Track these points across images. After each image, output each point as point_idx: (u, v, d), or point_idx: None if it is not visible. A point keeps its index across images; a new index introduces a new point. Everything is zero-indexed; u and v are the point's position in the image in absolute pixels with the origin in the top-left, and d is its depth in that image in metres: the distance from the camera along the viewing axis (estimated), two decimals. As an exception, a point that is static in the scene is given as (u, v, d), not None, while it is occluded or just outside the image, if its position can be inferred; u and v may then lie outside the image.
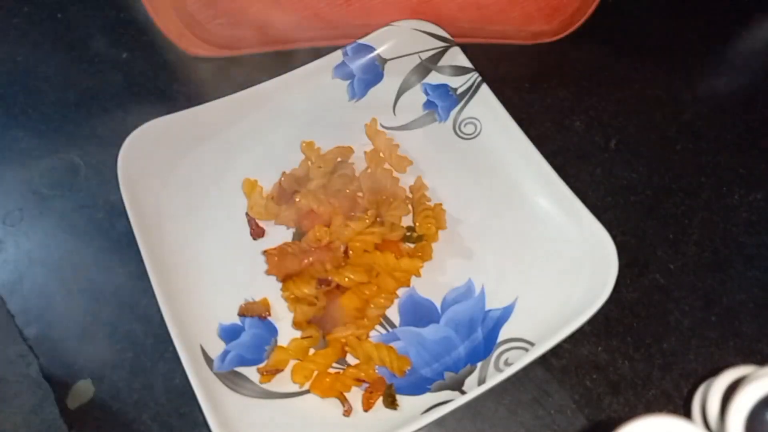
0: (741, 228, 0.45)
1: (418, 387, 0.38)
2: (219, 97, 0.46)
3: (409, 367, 0.38)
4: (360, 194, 0.44)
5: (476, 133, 0.47)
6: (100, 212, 0.45)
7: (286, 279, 0.40)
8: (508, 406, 0.39)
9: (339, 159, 0.45)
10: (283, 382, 0.38)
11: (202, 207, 0.44)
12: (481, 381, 0.37)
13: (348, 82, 0.49)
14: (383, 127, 0.47)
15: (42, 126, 0.49)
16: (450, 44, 0.49)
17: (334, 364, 0.39)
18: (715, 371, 0.34)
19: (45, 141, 0.49)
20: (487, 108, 0.46)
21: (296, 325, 0.40)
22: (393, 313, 0.41)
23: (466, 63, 0.48)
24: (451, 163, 0.46)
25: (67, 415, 0.38)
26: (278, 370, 0.38)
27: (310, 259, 0.41)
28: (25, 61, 0.53)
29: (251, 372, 0.39)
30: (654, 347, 0.41)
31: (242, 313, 0.40)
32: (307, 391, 0.38)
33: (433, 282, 0.42)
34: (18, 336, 0.41)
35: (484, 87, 0.47)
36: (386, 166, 0.46)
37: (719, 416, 0.31)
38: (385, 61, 0.49)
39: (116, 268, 0.43)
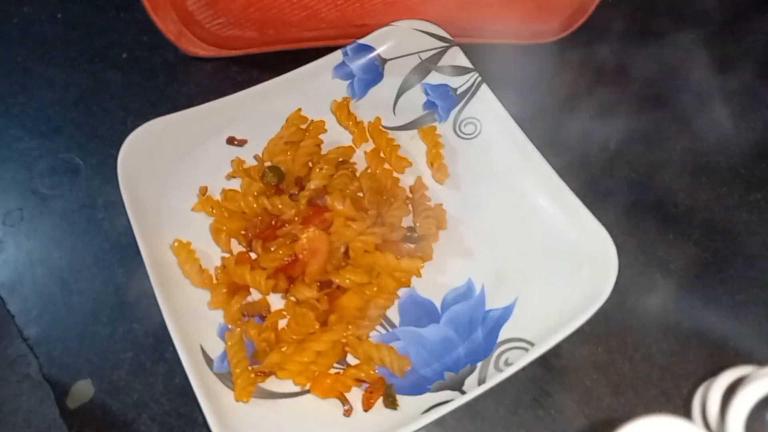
0: (741, 228, 0.45)
1: (418, 387, 0.38)
2: (219, 97, 0.46)
3: (409, 367, 0.38)
4: (360, 194, 0.44)
5: (476, 133, 0.47)
6: (100, 212, 0.45)
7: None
8: (508, 406, 0.39)
9: (341, 159, 0.45)
10: (283, 382, 0.38)
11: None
12: (481, 381, 0.37)
13: (348, 82, 0.49)
14: (383, 127, 0.47)
15: (42, 126, 0.49)
16: (450, 44, 0.49)
17: (335, 365, 0.39)
18: (715, 371, 0.34)
19: (45, 141, 0.49)
20: (487, 108, 0.46)
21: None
22: (393, 313, 0.41)
23: (466, 63, 0.48)
24: (451, 163, 0.46)
25: (67, 415, 0.38)
26: (272, 373, 0.38)
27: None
28: (25, 61, 0.53)
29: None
30: (654, 347, 0.41)
31: (242, 313, 0.40)
32: (307, 391, 0.38)
33: (433, 282, 0.42)
34: (18, 336, 0.41)
35: (484, 87, 0.47)
36: (386, 166, 0.46)
37: (719, 416, 0.31)
38: (385, 61, 0.49)
39: (116, 268, 0.43)
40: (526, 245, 0.42)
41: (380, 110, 0.48)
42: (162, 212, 0.43)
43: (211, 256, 0.42)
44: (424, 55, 0.49)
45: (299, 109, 0.47)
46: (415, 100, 0.49)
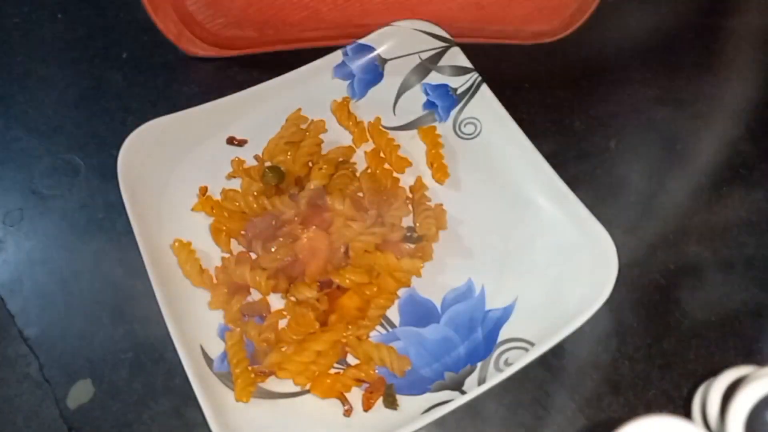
0: (741, 228, 0.45)
1: (418, 387, 0.38)
2: (219, 97, 0.46)
3: (409, 367, 0.38)
4: (360, 194, 0.44)
5: (476, 133, 0.47)
6: (100, 212, 0.45)
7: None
8: (508, 406, 0.39)
9: (341, 159, 0.45)
10: (283, 382, 0.38)
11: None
12: (481, 381, 0.37)
13: (348, 82, 0.49)
14: (383, 127, 0.47)
15: (42, 126, 0.49)
16: (450, 44, 0.49)
17: (335, 365, 0.39)
18: (715, 371, 0.34)
19: (45, 141, 0.49)
20: (487, 108, 0.46)
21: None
22: (393, 313, 0.41)
23: (466, 63, 0.48)
24: (451, 163, 0.46)
25: (67, 415, 0.38)
26: (272, 373, 0.38)
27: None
28: (25, 61, 0.53)
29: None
30: (654, 347, 0.41)
31: (242, 313, 0.40)
32: (307, 391, 0.38)
33: (433, 282, 0.42)
34: (18, 336, 0.41)
35: (484, 87, 0.47)
36: (386, 166, 0.46)
37: (719, 416, 0.31)
38: (385, 61, 0.49)
39: (116, 268, 0.43)
40: (526, 245, 0.42)
41: (380, 110, 0.48)
42: (162, 212, 0.43)
43: (211, 256, 0.43)
44: (424, 55, 0.49)
45: (299, 109, 0.47)
46: (415, 100, 0.49)
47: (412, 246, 0.42)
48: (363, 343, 0.39)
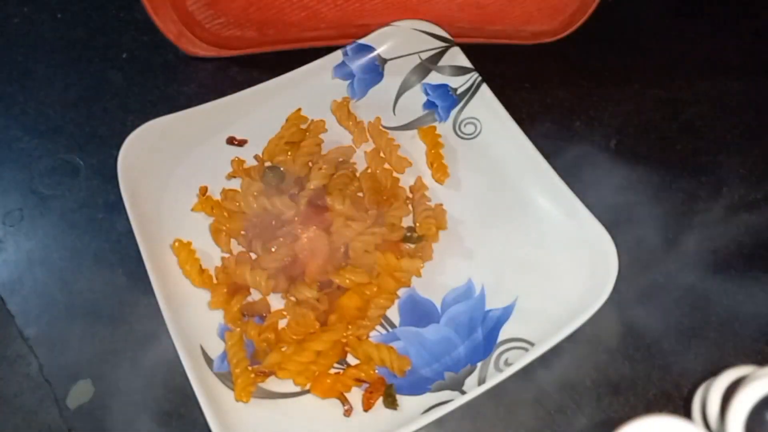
0: (741, 228, 0.45)
1: (418, 387, 0.38)
2: (219, 97, 0.46)
3: (409, 367, 0.38)
4: (360, 194, 0.44)
5: (476, 133, 0.47)
6: (100, 212, 0.45)
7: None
8: (508, 406, 0.39)
9: (341, 159, 0.45)
10: (283, 382, 0.38)
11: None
12: (481, 381, 0.37)
13: (348, 82, 0.49)
14: (383, 127, 0.47)
15: (42, 126, 0.49)
16: (450, 44, 0.49)
17: (335, 365, 0.39)
18: (715, 371, 0.34)
19: (45, 141, 0.49)
20: (487, 108, 0.46)
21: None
22: (393, 313, 0.41)
23: (466, 63, 0.48)
24: (451, 163, 0.46)
25: (67, 415, 0.38)
26: (272, 373, 0.38)
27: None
28: (25, 61, 0.53)
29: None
30: (654, 347, 0.41)
31: (242, 313, 0.40)
32: (307, 391, 0.38)
33: (434, 282, 0.42)
34: (18, 336, 0.41)
35: (484, 87, 0.47)
36: (386, 166, 0.46)
37: (719, 416, 0.31)
38: (385, 61, 0.49)
39: (116, 268, 0.43)
40: (526, 245, 0.42)
41: (380, 110, 0.48)
42: (162, 212, 0.43)
43: (211, 256, 0.43)
44: (424, 55, 0.49)
45: (299, 109, 0.47)
46: (415, 100, 0.49)
47: (412, 246, 0.42)
48: (363, 343, 0.39)
